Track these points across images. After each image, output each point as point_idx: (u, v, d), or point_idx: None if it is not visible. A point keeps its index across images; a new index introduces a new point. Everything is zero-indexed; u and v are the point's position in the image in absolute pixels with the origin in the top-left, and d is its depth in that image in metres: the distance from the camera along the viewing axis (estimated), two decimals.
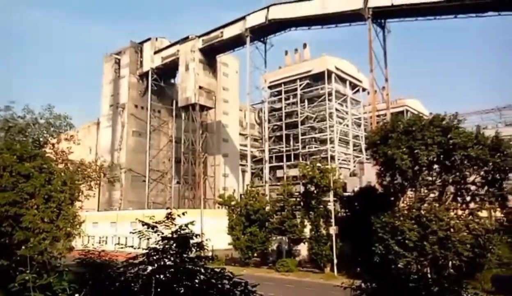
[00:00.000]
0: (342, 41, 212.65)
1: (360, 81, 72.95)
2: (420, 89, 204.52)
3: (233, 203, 45.13)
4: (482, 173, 25.39)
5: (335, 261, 35.60)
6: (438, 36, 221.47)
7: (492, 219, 26.87)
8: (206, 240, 7.87)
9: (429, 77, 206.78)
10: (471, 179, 25.70)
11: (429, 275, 23.43)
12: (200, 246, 7.02)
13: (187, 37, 70.75)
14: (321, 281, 33.40)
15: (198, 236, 7.12)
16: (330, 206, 38.03)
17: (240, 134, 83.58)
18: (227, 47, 67.82)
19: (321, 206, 38.98)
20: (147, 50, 78.31)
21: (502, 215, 25.31)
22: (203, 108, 72.01)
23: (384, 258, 24.83)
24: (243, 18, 60.58)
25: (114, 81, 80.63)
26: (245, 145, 72.35)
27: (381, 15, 46.53)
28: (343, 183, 41.94)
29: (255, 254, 43.21)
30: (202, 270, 6.57)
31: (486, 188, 25.32)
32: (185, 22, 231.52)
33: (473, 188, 25.72)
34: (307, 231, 40.14)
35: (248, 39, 59.22)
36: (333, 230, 35.82)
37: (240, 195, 46.98)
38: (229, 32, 63.25)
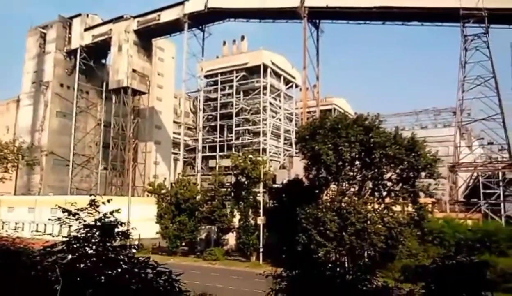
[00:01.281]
0: (279, 37, 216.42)
1: (293, 77, 74.78)
2: (348, 88, 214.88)
3: (163, 191, 44.41)
4: (398, 170, 27.59)
5: (261, 250, 36.64)
6: (368, 38, 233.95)
7: (405, 213, 29.26)
8: (132, 228, 7.79)
9: (356, 77, 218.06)
10: (388, 175, 27.83)
11: (346, 264, 25.13)
12: (125, 234, 6.95)
13: (122, 17, 67.47)
14: (246, 270, 34.23)
15: (123, 225, 7.04)
16: (260, 197, 38.95)
17: (174, 122, 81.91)
18: (164, 31, 65.91)
19: (251, 197, 39.79)
20: (77, 27, 73.35)
21: (413, 210, 27.66)
22: (135, 92, 69.39)
23: (307, 247, 26.13)
24: (182, 3, 59.23)
25: (39, 57, 74.56)
26: (179, 134, 71.19)
27: (316, 15, 48.20)
28: (273, 175, 43.09)
29: (183, 243, 43.03)
30: (126, 259, 6.53)
31: (400, 184, 27.59)
32: (120, 2, 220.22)
33: (389, 184, 27.89)
34: (236, 221, 40.79)
35: (186, 26, 58.07)
36: (261, 220, 36.78)
37: (171, 183, 46.33)
38: (167, 16, 61.47)
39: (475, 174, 38.01)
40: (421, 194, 27.22)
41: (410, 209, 28.72)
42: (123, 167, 68.21)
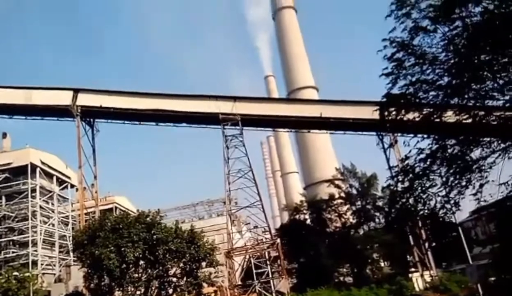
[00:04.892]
0: (52, 134, 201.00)
1: (68, 177, 69.86)
2: (129, 186, 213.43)
3: None
4: (181, 264, 28.56)
5: None
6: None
7: None
8: None
9: (138, 173, 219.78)
10: (172, 271, 28.40)
11: None
12: None
13: None
14: None
15: None
16: None
17: None
18: None
19: None
20: None
21: None
22: None
23: None
24: None
25: None
26: None
27: (90, 114, 47.47)
28: (46, 291, 37.54)
29: None
30: None
31: (185, 278, 28.49)
32: None
33: (174, 279, 28.43)
34: None
35: None
36: None
37: None
38: None
39: (247, 256, 42.65)
40: (205, 284, 28.63)
41: None
42: None
